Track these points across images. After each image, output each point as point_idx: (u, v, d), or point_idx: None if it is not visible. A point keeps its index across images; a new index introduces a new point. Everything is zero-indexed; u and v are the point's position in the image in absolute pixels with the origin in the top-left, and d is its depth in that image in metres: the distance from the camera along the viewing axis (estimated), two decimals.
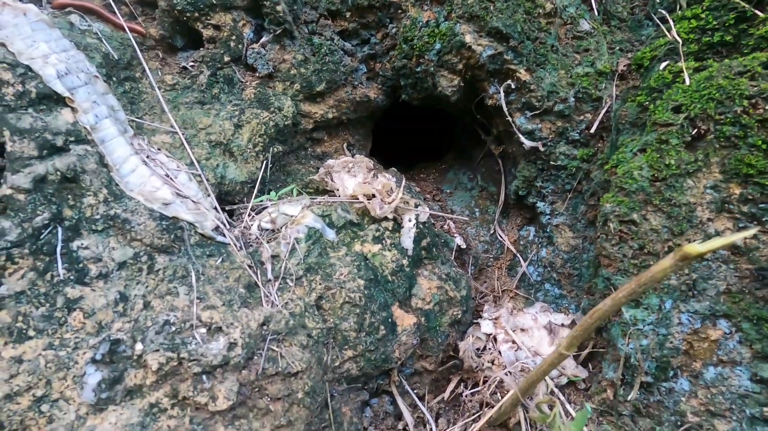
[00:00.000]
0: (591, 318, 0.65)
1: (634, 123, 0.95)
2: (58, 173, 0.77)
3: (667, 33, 0.98)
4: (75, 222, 0.77)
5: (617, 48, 1.05)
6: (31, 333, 0.71)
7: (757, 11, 0.87)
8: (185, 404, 0.74)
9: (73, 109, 0.83)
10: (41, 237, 0.74)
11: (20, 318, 0.70)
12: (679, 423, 0.90)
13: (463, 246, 1.22)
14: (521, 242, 1.23)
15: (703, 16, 0.93)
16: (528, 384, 0.77)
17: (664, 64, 0.95)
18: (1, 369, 0.68)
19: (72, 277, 0.75)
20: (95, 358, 0.72)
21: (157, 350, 0.73)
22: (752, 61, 0.82)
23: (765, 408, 0.83)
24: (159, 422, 0.72)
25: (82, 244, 0.77)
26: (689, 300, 0.88)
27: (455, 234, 1.23)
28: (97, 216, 0.79)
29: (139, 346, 0.73)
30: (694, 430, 0.89)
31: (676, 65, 0.93)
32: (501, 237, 1.25)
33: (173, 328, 0.76)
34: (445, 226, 1.24)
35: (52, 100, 0.81)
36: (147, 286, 0.79)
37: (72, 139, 0.80)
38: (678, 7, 0.99)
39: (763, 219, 0.82)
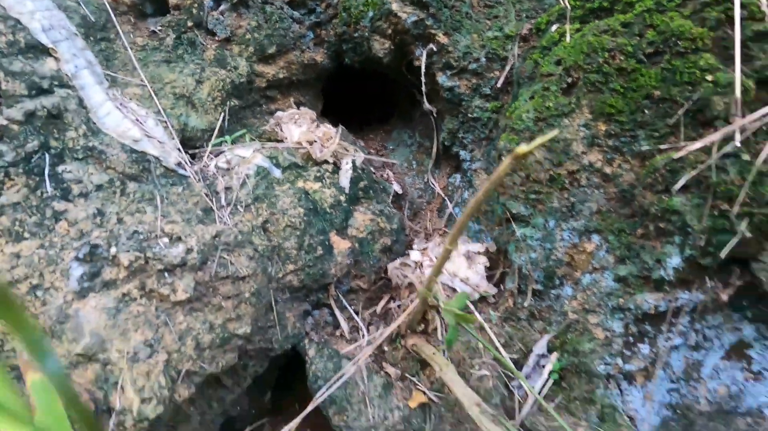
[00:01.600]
0: (464, 216, 0.85)
1: (530, 77, 1.15)
2: (45, 110, 0.94)
3: (562, 1, 1.17)
4: (59, 151, 0.94)
5: (524, 15, 1.24)
6: (26, 235, 0.88)
7: None
8: (151, 295, 0.92)
9: (56, 59, 0.99)
10: (32, 160, 0.91)
11: (17, 223, 0.88)
12: (563, 321, 1.11)
13: (400, 191, 1.41)
14: (450, 188, 1.43)
15: None
16: (429, 282, 0.97)
17: (554, 27, 1.15)
18: (4, 262, 0.85)
19: (58, 194, 0.92)
20: (78, 257, 0.89)
21: (128, 251, 0.91)
22: (614, 21, 1.02)
23: (620, 300, 1.04)
24: (130, 307, 0.90)
25: (65, 168, 0.94)
26: (569, 219, 1.08)
27: (393, 182, 1.42)
28: (78, 147, 0.96)
29: (113, 249, 0.91)
30: (573, 326, 1.10)
31: (563, 27, 1.12)
32: (433, 184, 1.45)
33: (141, 236, 0.93)
34: (385, 175, 1.43)
35: (38, 49, 0.97)
36: (119, 206, 0.97)
37: (56, 83, 0.97)
38: None
39: (623, 150, 1.02)
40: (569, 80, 1.04)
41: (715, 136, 0.86)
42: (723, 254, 0.88)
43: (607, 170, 1.04)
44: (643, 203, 0.98)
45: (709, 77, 0.91)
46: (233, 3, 1.24)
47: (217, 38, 1.25)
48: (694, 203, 0.91)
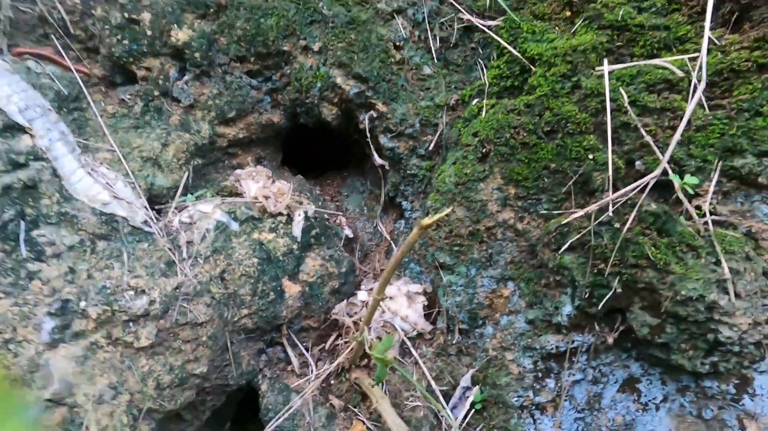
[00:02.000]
0: (386, 273, 1.00)
1: (455, 143, 1.33)
2: (21, 182, 1.07)
3: (482, 77, 1.36)
4: (34, 218, 1.08)
5: (453, 86, 1.42)
6: (1, 295, 1.01)
7: (532, 66, 1.26)
8: (117, 342, 1.05)
9: (32, 135, 1.13)
10: (8, 228, 1.04)
11: None
12: (485, 356, 1.27)
13: (351, 236, 1.57)
14: (395, 232, 1.59)
15: (502, 66, 1.31)
16: (363, 323, 1.12)
17: (475, 101, 1.33)
18: None
19: (32, 256, 1.05)
20: (50, 312, 1.02)
21: (96, 305, 1.04)
22: (519, 102, 1.20)
23: (530, 340, 1.21)
24: (97, 355, 1.03)
25: (40, 233, 1.07)
26: (488, 268, 1.25)
27: (345, 227, 1.57)
28: (52, 213, 1.09)
29: (83, 303, 1.04)
30: (493, 361, 1.26)
31: (481, 102, 1.30)
32: (381, 229, 1.61)
33: (108, 290, 1.07)
34: (338, 221, 1.59)
35: (15, 128, 1.11)
36: (90, 263, 1.10)
37: (31, 157, 1.11)
38: (490, 59, 1.37)
39: (530, 210, 1.20)
40: (483, 150, 1.22)
41: (592, 207, 1.04)
42: (600, 306, 1.06)
43: (519, 226, 1.22)
44: (543, 258, 1.15)
45: (591, 155, 1.09)
46: (196, 74, 1.39)
47: (181, 105, 1.39)
48: (580, 262, 1.09)
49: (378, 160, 1.49)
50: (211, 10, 1.39)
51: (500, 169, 1.20)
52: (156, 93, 1.38)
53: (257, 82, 1.46)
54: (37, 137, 1.13)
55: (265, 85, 1.47)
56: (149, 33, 1.33)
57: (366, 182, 1.72)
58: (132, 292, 1.09)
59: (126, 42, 1.33)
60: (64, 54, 1.33)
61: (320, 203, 1.58)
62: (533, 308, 1.21)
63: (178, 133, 1.36)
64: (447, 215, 1.20)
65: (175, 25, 1.35)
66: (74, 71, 1.33)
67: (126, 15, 1.31)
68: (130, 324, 1.06)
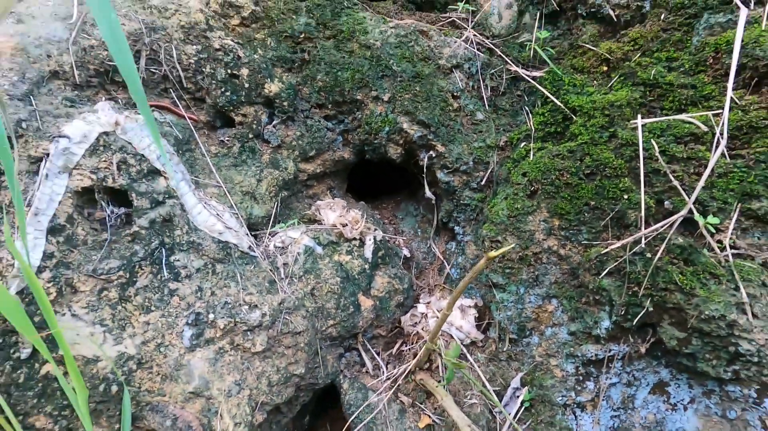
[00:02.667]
0: (456, 293, 1.23)
1: (505, 179, 1.55)
2: (161, 217, 1.33)
3: (528, 123, 1.58)
4: (171, 245, 1.34)
5: (502, 129, 1.65)
6: (153, 308, 1.27)
7: (573, 116, 1.47)
8: (238, 348, 1.31)
9: (165, 178, 1.39)
10: (154, 254, 1.31)
11: (146, 300, 1.27)
12: (532, 362, 1.49)
13: (408, 255, 1.81)
14: (447, 252, 1.82)
15: (546, 114, 1.54)
16: (432, 334, 1.35)
17: (523, 144, 1.55)
18: (140, 329, 1.24)
19: (171, 277, 1.31)
20: (188, 322, 1.28)
21: (222, 317, 1.30)
22: (563, 148, 1.42)
23: (572, 348, 1.42)
24: (224, 358, 1.29)
25: (176, 258, 1.33)
26: (534, 287, 1.47)
27: (403, 247, 1.81)
28: (183, 242, 1.36)
29: (211, 315, 1.30)
30: (539, 366, 1.48)
31: (529, 145, 1.53)
32: (434, 249, 1.84)
33: (229, 305, 1.33)
34: (397, 242, 1.83)
35: (154, 172, 1.37)
36: (212, 282, 1.36)
37: (166, 195, 1.37)
38: (535, 106, 1.59)
39: (572, 239, 1.42)
40: (532, 188, 1.44)
41: (628, 240, 1.26)
42: (634, 322, 1.27)
43: (562, 252, 1.43)
44: (584, 281, 1.37)
45: (626, 196, 1.31)
46: (283, 119, 1.65)
47: (271, 145, 1.65)
48: (617, 284, 1.30)
49: (428, 194, 1.72)
50: (296, 64, 1.65)
51: (546, 205, 1.42)
52: (250, 135, 1.64)
53: (332, 124, 1.71)
54: (170, 179, 1.39)
55: (339, 126, 1.72)
56: (246, 86, 1.60)
57: (419, 207, 1.95)
58: (247, 307, 1.34)
59: (228, 93, 1.59)
60: (178, 104, 1.60)
61: (381, 226, 1.82)
62: (575, 322, 1.42)
63: (269, 170, 1.61)
64: (510, 249, 1.42)
65: (268, 79, 1.61)
66: (187, 118, 1.59)
67: (229, 71, 1.58)
68: (248, 333, 1.31)
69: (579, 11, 1.64)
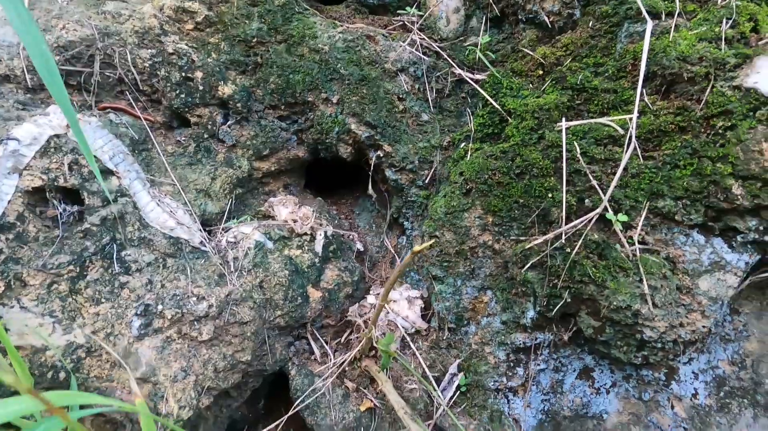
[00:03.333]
0: (388, 285, 1.32)
1: (446, 178, 1.64)
2: (113, 214, 1.41)
3: (470, 124, 1.67)
4: (122, 241, 1.42)
5: (446, 130, 1.73)
6: (103, 300, 1.35)
7: (509, 118, 1.56)
8: (185, 337, 1.39)
9: (118, 177, 1.47)
10: (105, 249, 1.38)
11: (96, 292, 1.35)
12: (469, 350, 1.59)
13: (362, 249, 1.89)
14: (399, 246, 1.91)
15: (485, 116, 1.62)
16: (371, 323, 1.44)
17: (462, 144, 1.64)
18: (90, 319, 1.32)
19: (122, 271, 1.39)
20: (137, 313, 1.36)
21: (170, 308, 1.38)
22: (496, 149, 1.51)
23: (503, 337, 1.52)
24: (171, 346, 1.37)
25: (126, 253, 1.41)
26: (471, 279, 1.57)
27: (357, 241, 1.90)
28: (134, 238, 1.43)
29: (160, 306, 1.38)
30: (475, 353, 1.58)
31: (468, 145, 1.61)
32: (387, 244, 1.93)
33: (178, 297, 1.41)
34: (351, 236, 1.91)
35: (107, 172, 1.45)
36: (162, 275, 1.44)
37: (119, 194, 1.44)
38: (477, 108, 1.68)
39: (505, 234, 1.51)
40: (467, 187, 1.53)
41: (549, 236, 1.35)
42: (554, 312, 1.37)
43: (496, 247, 1.52)
44: (513, 273, 1.46)
45: (551, 194, 1.40)
46: (237, 119, 1.72)
47: (225, 145, 1.72)
48: (539, 277, 1.40)
49: (371, 191, 1.82)
50: (250, 67, 1.72)
51: (480, 202, 1.51)
52: (206, 135, 1.71)
53: (286, 124, 1.79)
54: (122, 178, 1.46)
55: (292, 126, 1.80)
56: (201, 88, 1.66)
57: (374, 203, 2.04)
58: (195, 299, 1.42)
59: (183, 95, 1.66)
60: (134, 106, 1.67)
61: (336, 221, 1.91)
62: (506, 312, 1.52)
63: (224, 168, 1.69)
64: (431, 244, 1.51)
65: (222, 82, 1.68)
66: (143, 119, 1.66)
67: (183, 74, 1.64)
68: (195, 323, 1.40)
69: (519, 16, 1.72)
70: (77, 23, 1.54)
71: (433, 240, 1.45)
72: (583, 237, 1.33)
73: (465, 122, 1.72)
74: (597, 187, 1.34)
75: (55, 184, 1.36)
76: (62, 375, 1.27)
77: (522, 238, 1.45)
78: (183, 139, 1.71)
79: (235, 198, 1.72)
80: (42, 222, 1.35)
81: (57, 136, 1.38)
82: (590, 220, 1.32)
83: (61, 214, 1.37)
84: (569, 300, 1.36)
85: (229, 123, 1.73)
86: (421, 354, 1.63)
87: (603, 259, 1.32)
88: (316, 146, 1.81)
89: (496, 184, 1.49)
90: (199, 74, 1.66)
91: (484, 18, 1.81)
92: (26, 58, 1.45)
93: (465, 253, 1.55)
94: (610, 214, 1.29)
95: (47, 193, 1.36)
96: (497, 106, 1.58)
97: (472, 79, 1.71)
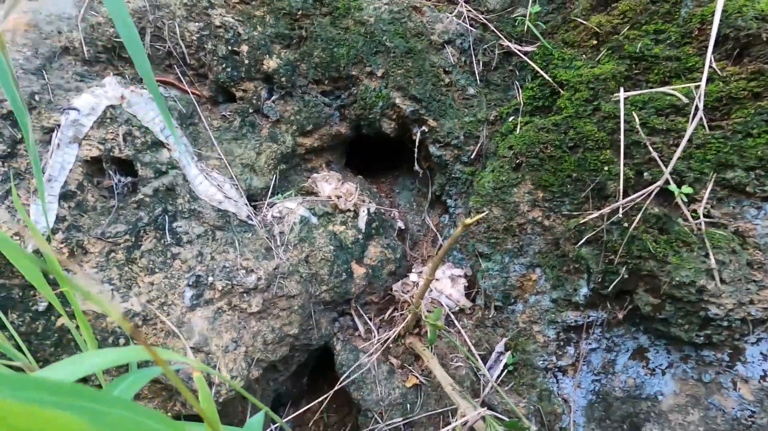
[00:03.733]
0: (437, 259, 1.30)
1: (494, 153, 1.60)
2: (164, 186, 1.43)
3: (518, 97, 1.62)
4: (173, 213, 1.43)
5: (493, 104, 1.69)
6: (156, 270, 1.37)
7: (561, 90, 1.51)
8: (235, 308, 1.40)
9: (168, 149, 1.48)
10: (158, 220, 1.40)
11: (150, 262, 1.37)
12: (516, 328, 1.56)
13: (403, 227, 1.87)
14: (441, 225, 1.88)
15: (535, 88, 1.57)
16: (417, 298, 1.43)
17: (511, 118, 1.59)
18: (145, 288, 1.35)
19: (174, 241, 1.41)
20: (189, 283, 1.38)
21: (221, 280, 1.39)
22: (548, 122, 1.46)
23: (553, 315, 1.48)
24: (222, 317, 1.39)
25: (178, 224, 1.43)
26: (519, 256, 1.53)
27: (398, 219, 1.88)
28: (185, 210, 1.45)
29: (210, 278, 1.40)
30: (522, 332, 1.54)
31: (517, 119, 1.57)
32: (428, 222, 1.90)
33: (228, 269, 1.42)
34: (392, 214, 1.89)
35: (158, 144, 1.46)
36: (212, 248, 1.45)
37: (170, 166, 1.46)
38: (526, 80, 1.62)
39: (555, 210, 1.46)
40: (517, 161, 1.48)
41: (606, 210, 1.30)
42: (610, 289, 1.32)
43: (546, 223, 1.48)
44: (565, 250, 1.42)
45: (606, 168, 1.34)
46: (281, 94, 1.72)
47: (270, 120, 1.72)
48: (594, 253, 1.35)
49: (417, 168, 1.78)
50: (294, 41, 1.71)
51: (531, 177, 1.47)
52: (250, 110, 1.71)
53: (329, 100, 1.77)
54: (172, 150, 1.48)
55: (335, 101, 1.78)
56: (246, 62, 1.66)
57: (415, 181, 2.01)
58: (244, 271, 1.43)
59: (229, 69, 1.66)
60: (182, 80, 1.68)
61: (377, 199, 1.89)
62: (556, 289, 1.48)
63: (268, 144, 1.69)
64: (484, 216, 1.48)
65: (267, 56, 1.67)
66: (190, 93, 1.67)
67: (229, 48, 1.64)
68: (244, 295, 1.41)
69: None
70: None
71: (485, 212, 1.42)
72: (642, 211, 1.27)
73: (513, 95, 1.68)
74: (658, 159, 1.28)
75: (111, 154, 1.38)
76: (122, 340, 1.30)
77: (575, 214, 1.40)
78: (228, 113, 1.72)
79: (279, 173, 1.72)
80: (99, 192, 1.38)
81: (112, 107, 1.40)
82: (650, 194, 1.27)
83: (116, 184, 1.39)
84: (626, 276, 1.31)
85: (273, 98, 1.72)
86: (466, 332, 1.61)
87: (664, 234, 1.26)
88: (358, 122, 1.79)
89: (547, 157, 1.44)
90: (244, 48, 1.65)
91: None
92: (84, 30, 1.47)
93: (513, 230, 1.51)
94: (672, 186, 1.23)
95: (104, 164, 1.38)
96: (548, 77, 1.53)
97: (520, 51, 1.65)
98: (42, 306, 1.28)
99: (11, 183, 1.26)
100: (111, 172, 1.40)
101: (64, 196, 1.31)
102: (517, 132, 1.52)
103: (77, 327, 1.27)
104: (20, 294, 1.26)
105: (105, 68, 1.56)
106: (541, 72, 1.55)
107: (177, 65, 1.67)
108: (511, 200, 1.49)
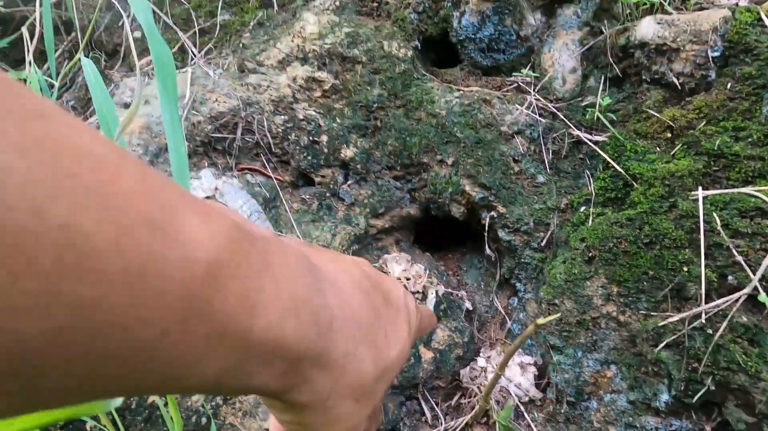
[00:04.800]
0: (507, 355, 1.30)
1: (564, 242, 1.59)
2: None
3: (589, 187, 1.62)
4: None
5: (563, 191, 1.70)
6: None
7: (634, 182, 1.50)
8: None
9: None
10: None
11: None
12: (590, 428, 1.49)
13: (471, 308, 1.88)
14: (509, 308, 1.87)
15: (607, 179, 1.57)
16: (486, 392, 1.42)
17: (582, 208, 1.59)
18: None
19: None
20: None
21: None
22: (622, 216, 1.45)
23: (631, 418, 1.41)
24: None
25: None
26: (593, 351, 1.49)
27: (465, 300, 1.89)
28: None
29: None
30: None
31: (588, 209, 1.57)
32: (496, 303, 1.90)
33: None
34: (459, 295, 1.91)
35: None
36: None
37: None
38: (597, 170, 1.63)
39: (631, 306, 1.42)
40: (590, 254, 1.47)
41: (687, 314, 1.25)
42: (695, 399, 1.25)
43: (621, 318, 1.44)
44: (642, 350, 1.37)
45: (686, 268, 1.30)
46: (356, 179, 1.83)
47: (345, 203, 1.83)
48: (675, 358, 1.29)
49: (488, 252, 1.80)
50: (369, 131, 1.83)
51: (604, 271, 1.45)
52: (327, 194, 1.83)
53: (400, 184, 1.86)
54: None
55: (406, 186, 1.87)
56: (326, 150, 1.80)
57: (483, 260, 2.03)
58: None
59: (309, 157, 1.80)
60: (267, 166, 1.84)
61: (445, 279, 1.92)
62: (634, 391, 1.41)
63: (343, 226, 1.79)
64: (557, 317, 1.47)
65: (344, 144, 1.80)
66: (273, 179, 1.83)
67: (311, 138, 1.79)
68: None
69: (643, 77, 1.67)
70: (226, 95, 1.75)
71: (558, 314, 1.41)
72: (728, 320, 1.21)
73: (583, 184, 1.68)
74: (744, 263, 1.23)
75: None
76: (203, 419, 1.38)
77: (653, 313, 1.36)
78: (307, 197, 1.85)
79: (352, 253, 1.80)
80: None
81: (207, 197, 1.55)
82: (736, 300, 1.21)
83: None
84: (713, 388, 1.24)
85: (348, 182, 1.84)
86: (536, 427, 1.56)
87: (755, 346, 1.19)
88: (428, 205, 1.86)
89: (621, 252, 1.42)
90: (324, 138, 1.79)
91: (603, 78, 1.78)
92: (186, 127, 1.67)
93: (586, 323, 1.48)
94: (762, 296, 1.17)
95: None
96: (620, 170, 1.53)
97: (590, 140, 1.67)
98: None
99: None
100: None
101: None
102: (589, 224, 1.52)
103: (165, 404, 1.37)
104: None
105: (201, 159, 1.75)
106: (613, 163, 1.55)
107: (263, 154, 1.83)
108: (584, 293, 1.47)
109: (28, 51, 1.96)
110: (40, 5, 1.94)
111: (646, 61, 1.62)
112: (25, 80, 2.06)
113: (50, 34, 1.79)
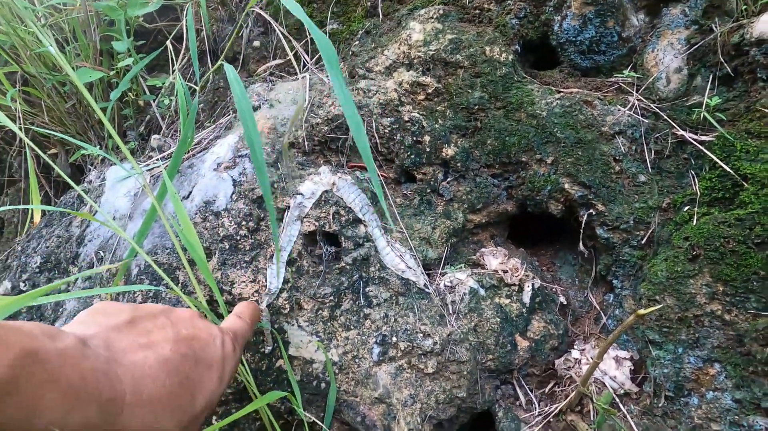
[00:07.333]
0: (606, 344, 1.36)
1: (666, 241, 1.61)
2: (360, 256, 1.72)
3: (694, 187, 1.63)
4: (366, 279, 1.72)
5: (665, 191, 1.71)
6: (351, 327, 1.65)
7: (744, 183, 1.49)
8: (413, 367, 1.61)
9: (365, 225, 1.79)
10: (354, 285, 1.69)
11: (347, 320, 1.65)
12: (690, 423, 1.51)
13: (564, 302, 1.94)
14: (604, 304, 1.91)
15: (714, 179, 1.57)
16: (584, 379, 1.49)
17: (686, 207, 1.60)
18: (342, 342, 1.63)
19: (366, 304, 1.68)
20: (376, 341, 1.63)
21: (403, 341, 1.62)
22: (730, 216, 1.45)
23: (737, 416, 1.41)
24: (403, 374, 1.60)
25: (369, 289, 1.70)
26: (694, 349, 1.50)
27: (559, 295, 1.95)
28: (375, 277, 1.72)
29: (394, 338, 1.63)
30: (698, 428, 1.49)
31: (692, 209, 1.58)
32: (591, 299, 1.94)
33: (408, 331, 1.64)
34: (554, 289, 1.97)
35: (357, 221, 1.78)
36: (395, 311, 1.70)
37: (365, 240, 1.76)
38: (702, 170, 1.63)
39: (738, 305, 1.43)
40: (693, 253, 1.49)
41: None
42: None
43: (727, 317, 1.45)
44: (751, 349, 1.37)
45: None
46: (455, 177, 1.95)
47: (444, 199, 1.96)
48: None
49: (582, 248, 1.85)
50: (470, 131, 1.95)
51: (709, 270, 1.46)
52: (428, 190, 1.97)
53: (498, 181, 1.96)
54: (368, 226, 1.78)
55: (504, 183, 1.96)
56: (428, 150, 1.94)
57: (577, 257, 2.07)
58: (422, 335, 1.64)
59: (413, 156, 1.95)
60: (374, 163, 2.01)
61: (539, 273, 1.99)
62: (740, 389, 1.42)
63: (442, 220, 1.92)
64: (659, 308, 1.50)
65: (445, 144, 1.93)
66: (379, 176, 1.99)
67: (414, 138, 1.94)
68: (422, 356, 1.61)
69: (758, 74, 1.64)
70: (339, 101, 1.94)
71: (660, 305, 1.45)
72: None
73: (687, 184, 1.69)
74: None
75: (323, 229, 1.72)
76: (323, 385, 1.58)
77: (763, 313, 1.36)
78: (409, 192, 2.00)
79: (449, 246, 1.93)
80: (312, 259, 1.72)
81: (326, 191, 1.75)
82: None
83: (324, 253, 1.73)
84: None
85: (448, 179, 1.97)
86: (632, 418, 1.60)
87: None
88: (524, 201, 1.94)
89: (729, 252, 1.43)
90: (427, 138, 1.94)
91: (711, 77, 1.76)
92: (306, 129, 1.88)
93: (688, 320, 1.50)
94: None
95: (317, 236, 1.73)
96: (729, 170, 1.53)
97: (696, 140, 1.67)
98: (268, 349, 1.62)
99: (255, 251, 1.66)
100: (321, 244, 1.74)
101: (289, 262, 1.67)
102: (694, 223, 1.53)
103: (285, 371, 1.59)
104: (253, 339, 1.62)
105: (318, 157, 1.96)
106: (722, 164, 1.55)
107: (371, 153, 2.01)
108: (687, 291, 1.49)
109: (173, 61, 2.28)
110: (185, 20, 2.25)
111: (762, 59, 1.60)
112: (161, 85, 2.39)
113: (194, 46, 2.09)
